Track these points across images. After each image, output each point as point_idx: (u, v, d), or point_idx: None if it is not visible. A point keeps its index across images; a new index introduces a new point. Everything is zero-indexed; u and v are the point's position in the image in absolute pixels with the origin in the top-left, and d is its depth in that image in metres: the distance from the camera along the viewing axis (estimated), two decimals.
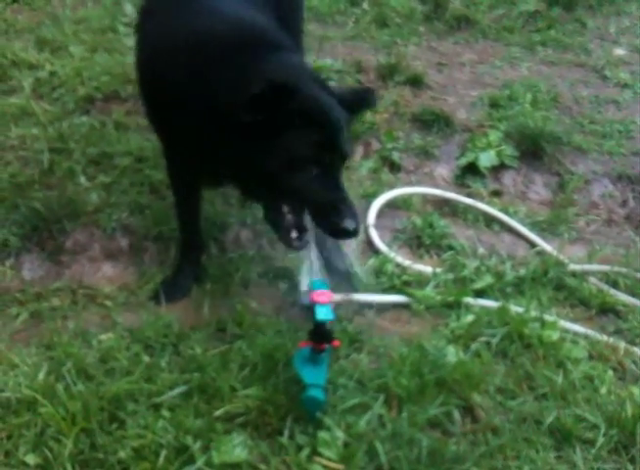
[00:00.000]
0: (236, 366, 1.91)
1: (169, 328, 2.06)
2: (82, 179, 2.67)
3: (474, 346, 2.08)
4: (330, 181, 1.85)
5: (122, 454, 1.70)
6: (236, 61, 1.87)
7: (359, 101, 2.00)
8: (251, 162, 1.85)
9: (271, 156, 1.82)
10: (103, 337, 2.04)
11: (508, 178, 2.84)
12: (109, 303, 2.21)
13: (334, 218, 1.82)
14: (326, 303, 1.76)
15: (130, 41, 3.53)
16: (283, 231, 1.92)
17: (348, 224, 1.81)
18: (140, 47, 2.15)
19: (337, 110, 1.88)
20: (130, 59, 3.36)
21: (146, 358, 1.96)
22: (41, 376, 1.87)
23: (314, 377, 1.77)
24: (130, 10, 3.78)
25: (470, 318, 2.18)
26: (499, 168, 2.88)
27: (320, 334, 1.78)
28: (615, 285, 2.38)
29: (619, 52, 3.86)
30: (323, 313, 1.75)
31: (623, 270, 2.42)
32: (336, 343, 1.87)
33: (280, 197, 1.91)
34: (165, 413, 1.79)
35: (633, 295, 2.34)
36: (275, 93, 1.74)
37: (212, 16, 2.01)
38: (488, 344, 2.09)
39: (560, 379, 1.98)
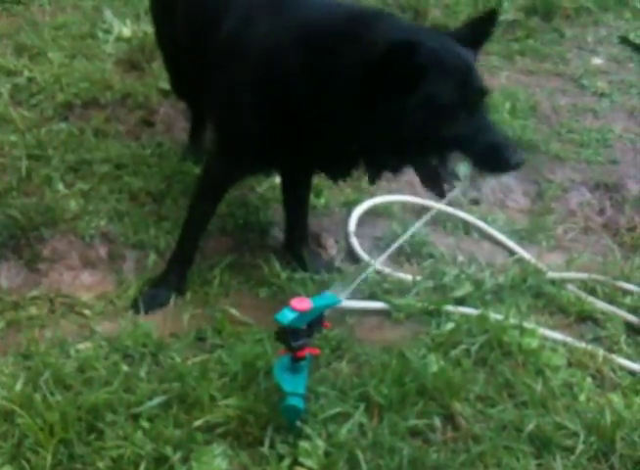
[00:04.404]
0: (216, 375, 1.90)
1: (148, 337, 2.04)
2: (60, 186, 2.64)
3: (454, 353, 2.08)
4: (480, 121, 1.89)
5: (101, 465, 1.68)
6: (353, 35, 1.90)
7: (479, 33, 2.00)
8: (389, 127, 1.86)
9: (414, 112, 1.83)
10: (81, 346, 2.02)
11: (487, 186, 2.85)
12: (87, 311, 2.18)
13: (499, 156, 1.86)
14: (297, 310, 1.75)
15: (110, 48, 3.52)
16: (439, 183, 1.98)
17: (516, 158, 1.87)
18: (250, 51, 2.10)
19: (463, 52, 1.91)
20: (109, 66, 3.37)
21: (125, 368, 1.94)
22: (18, 386, 1.84)
23: (294, 385, 1.77)
24: (110, 16, 3.76)
25: (450, 326, 2.18)
26: (478, 177, 2.90)
27: (278, 334, 1.77)
28: (592, 293, 2.40)
29: (597, 61, 3.91)
30: (283, 315, 1.74)
31: (601, 278, 2.44)
32: (315, 351, 1.87)
33: (430, 151, 1.94)
34: (144, 423, 1.77)
35: (611, 302, 2.36)
36: (400, 51, 1.78)
37: (315, 8, 2.07)
38: (468, 351, 2.09)
39: (539, 386, 1.99)
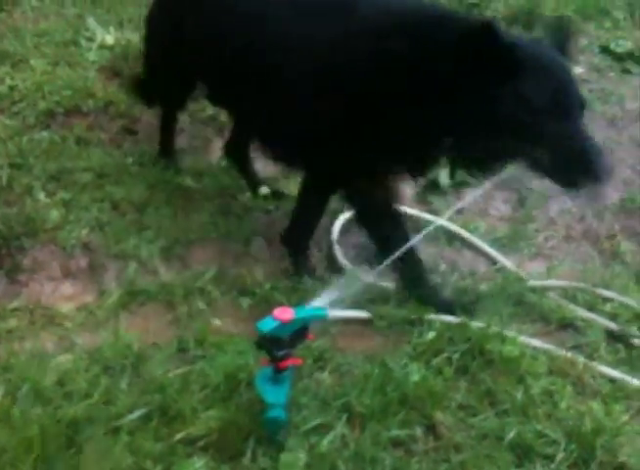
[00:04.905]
0: (197, 387, 1.89)
1: (129, 349, 2.02)
2: (42, 196, 2.63)
3: (435, 362, 2.09)
4: (571, 128, 1.84)
5: None
6: (444, 25, 1.94)
7: (561, 42, 2.02)
8: (478, 117, 1.86)
9: (504, 105, 1.83)
10: (61, 358, 2.00)
11: (469, 195, 2.86)
12: (67, 323, 2.17)
13: (582, 165, 1.81)
14: (279, 319, 1.75)
15: (92, 56, 3.51)
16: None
17: (599, 166, 1.81)
18: (349, 48, 2.08)
19: (560, 59, 1.91)
20: (92, 73, 3.35)
21: (105, 380, 1.93)
22: None
23: (276, 397, 1.77)
24: (93, 24, 3.75)
25: (432, 335, 2.19)
26: (460, 185, 2.91)
27: (259, 343, 1.78)
28: (573, 300, 2.41)
29: (578, 70, 3.94)
30: (264, 324, 1.75)
31: (581, 286, 2.45)
32: (298, 361, 1.87)
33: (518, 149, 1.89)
34: (125, 437, 1.76)
35: (591, 310, 2.38)
36: (487, 38, 1.80)
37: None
38: (450, 360, 2.10)
39: (520, 394, 2.00)
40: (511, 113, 1.84)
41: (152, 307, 2.26)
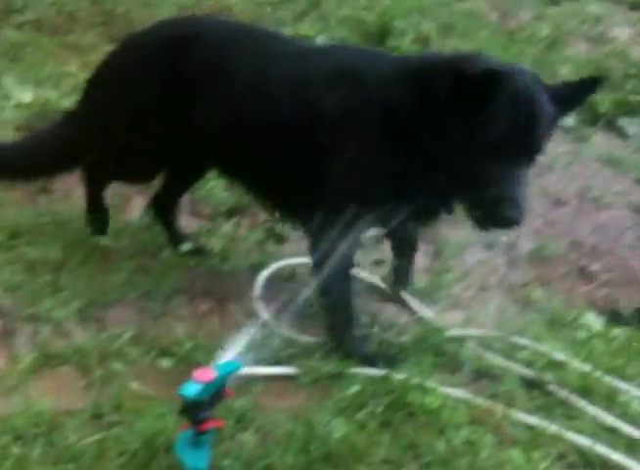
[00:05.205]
0: (114, 454, 1.82)
1: (41, 416, 1.93)
2: None
3: (359, 416, 2.09)
4: (506, 172, 1.87)
5: None
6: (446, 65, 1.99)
7: (575, 94, 2.02)
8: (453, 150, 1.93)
9: (469, 139, 1.89)
10: None
11: (388, 248, 2.92)
12: None
13: (494, 207, 1.87)
14: (201, 381, 1.72)
15: (9, 114, 3.44)
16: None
17: (508, 213, 1.87)
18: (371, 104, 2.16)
19: (540, 103, 1.91)
20: (8, 132, 3.27)
21: (16, 450, 1.83)
22: None
23: (196, 461, 1.73)
24: (10, 82, 3.69)
25: (355, 389, 2.19)
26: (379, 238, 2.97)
27: (182, 410, 1.74)
28: (490, 349, 2.47)
29: None
30: (186, 389, 1.71)
31: (497, 334, 2.52)
32: (219, 423, 1.83)
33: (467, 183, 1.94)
34: None
35: (507, 358, 2.44)
36: (486, 78, 1.84)
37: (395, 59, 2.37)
38: (373, 414, 2.11)
39: (442, 446, 2.02)
40: (470, 148, 1.91)
41: (66, 372, 2.18)
